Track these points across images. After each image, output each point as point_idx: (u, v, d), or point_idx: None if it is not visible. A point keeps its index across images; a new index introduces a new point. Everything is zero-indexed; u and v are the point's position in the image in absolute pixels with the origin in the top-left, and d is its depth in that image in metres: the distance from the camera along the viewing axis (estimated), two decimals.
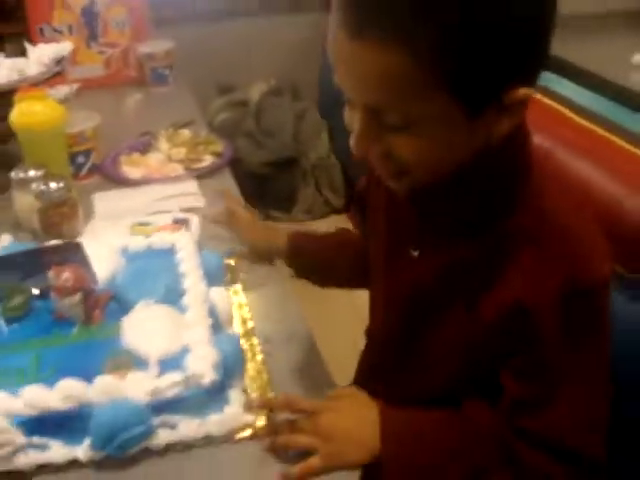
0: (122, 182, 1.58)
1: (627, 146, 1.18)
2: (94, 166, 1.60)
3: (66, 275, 0.98)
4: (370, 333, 1.14)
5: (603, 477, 0.85)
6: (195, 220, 1.37)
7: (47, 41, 1.95)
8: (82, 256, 1.02)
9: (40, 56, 1.58)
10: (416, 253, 0.93)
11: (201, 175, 1.59)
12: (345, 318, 1.78)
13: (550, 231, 0.82)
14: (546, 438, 0.83)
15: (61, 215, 1.31)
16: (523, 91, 0.76)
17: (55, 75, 1.60)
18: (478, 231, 0.86)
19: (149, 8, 2.18)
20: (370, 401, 0.91)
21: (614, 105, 1.75)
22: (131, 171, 1.62)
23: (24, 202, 1.35)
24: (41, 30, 2.08)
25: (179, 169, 1.62)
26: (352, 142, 0.82)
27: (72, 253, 1.02)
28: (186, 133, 1.74)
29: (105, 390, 0.85)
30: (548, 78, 1.34)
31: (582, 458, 0.83)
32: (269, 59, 2.50)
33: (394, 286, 0.99)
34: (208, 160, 1.65)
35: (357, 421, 0.89)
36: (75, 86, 2.05)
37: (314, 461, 0.85)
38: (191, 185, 1.56)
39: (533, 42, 0.76)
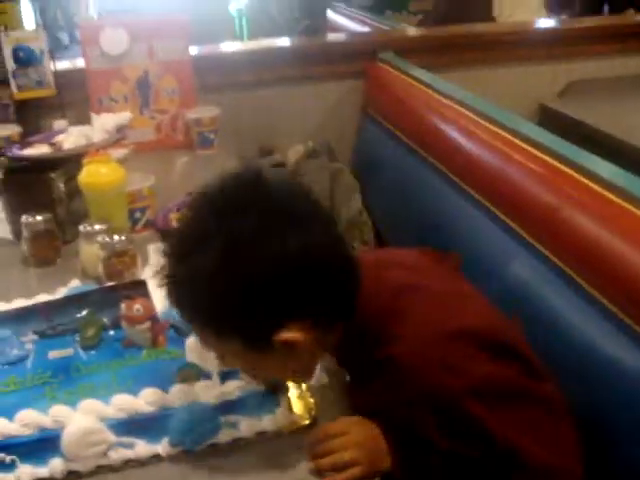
0: None
1: None
2: (148, 221, 1.77)
3: (137, 306, 1.16)
4: None
5: None
6: None
7: (105, 109, 2.17)
8: (146, 291, 1.19)
9: (103, 124, 1.78)
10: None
11: None
12: None
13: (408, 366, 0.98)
14: None
15: (122, 263, 1.48)
16: (287, 336, 0.94)
17: (117, 141, 1.78)
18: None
19: (196, 77, 2.37)
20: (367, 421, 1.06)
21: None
22: None
23: (90, 252, 1.52)
24: (100, 100, 2.28)
25: None
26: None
27: (139, 289, 1.19)
28: None
29: (180, 396, 1.03)
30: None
31: None
32: (307, 123, 2.68)
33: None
34: None
35: (372, 434, 1.03)
36: (130, 149, 2.24)
37: (356, 470, 0.99)
38: None
39: (292, 284, 0.92)
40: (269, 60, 2.63)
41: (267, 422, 1.05)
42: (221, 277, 0.90)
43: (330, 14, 4.35)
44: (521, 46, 2.81)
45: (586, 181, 1.42)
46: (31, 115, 2.33)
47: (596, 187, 1.39)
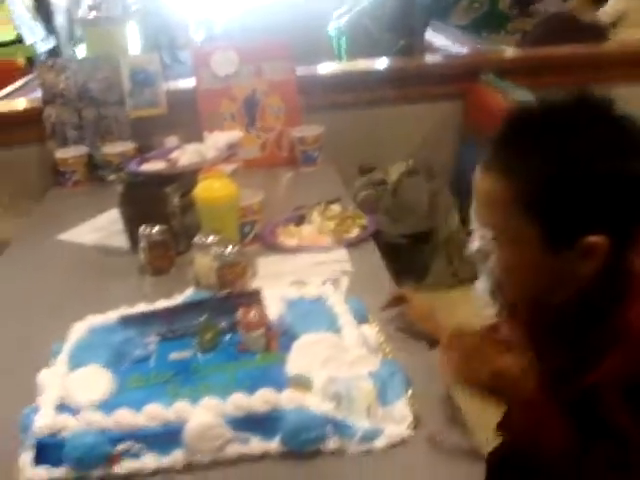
0: (280, 249, 1.83)
1: None
2: (257, 235, 1.86)
3: (253, 313, 1.24)
4: None
5: None
6: (344, 279, 1.60)
7: (214, 127, 2.28)
8: (260, 300, 1.27)
9: (215, 142, 1.88)
10: None
11: (349, 245, 1.82)
12: None
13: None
14: None
15: (234, 274, 1.56)
16: (595, 240, 0.97)
17: (227, 158, 1.88)
18: (582, 339, 1.04)
19: (301, 96, 2.46)
20: None
21: None
22: (287, 240, 1.87)
23: (203, 263, 1.61)
24: (209, 118, 2.40)
25: (329, 239, 1.85)
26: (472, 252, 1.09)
27: (253, 298, 1.28)
28: (335, 208, 1.98)
29: (293, 399, 1.09)
30: None
31: None
32: (407, 143, 2.74)
33: None
34: (355, 232, 1.88)
35: None
36: (238, 165, 2.35)
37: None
38: (340, 253, 1.79)
39: (620, 204, 0.97)
40: (368, 81, 2.70)
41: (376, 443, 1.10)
42: (569, 171, 0.97)
43: (427, 33, 4.40)
44: (628, 65, 2.79)
45: None
46: (144, 132, 2.46)
47: None
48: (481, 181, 1.04)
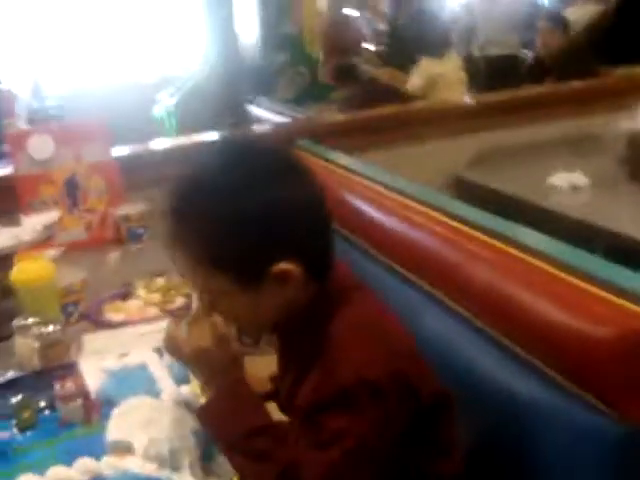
0: (107, 325, 1.82)
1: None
2: (82, 314, 1.84)
3: (69, 384, 1.24)
4: None
5: None
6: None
7: (35, 212, 2.25)
8: (78, 371, 1.28)
9: (33, 224, 1.86)
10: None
11: (175, 314, 1.84)
12: None
13: (330, 350, 1.10)
14: None
15: (56, 353, 1.55)
16: (282, 267, 1.09)
17: (46, 239, 1.87)
18: (304, 356, 1.15)
19: (124, 175, 2.48)
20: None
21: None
22: (114, 316, 1.87)
23: (25, 345, 1.58)
24: (30, 204, 2.37)
25: (155, 311, 1.87)
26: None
27: (70, 370, 1.28)
28: (160, 280, 2.01)
29: (112, 464, 1.09)
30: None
31: None
32: None
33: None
34: (179, 302, 1.90)
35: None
36: (62, 248, 2.32)
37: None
38: (165, 323, 1.80)
39: (283, 225, 1.09)
40: (193, 155, 2.74)
41: None
42: (224, 220, 1.09)
43: (254, 109, 4.55)
44: (433, 123, 3.00)
45: (484, 237, 1.56)
46: None
47: (493, 242, 1.53)
48: (171, 255, 1.17)
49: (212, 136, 3.17)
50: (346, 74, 4.23)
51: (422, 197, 1.91)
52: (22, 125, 4.59)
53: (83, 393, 1.25)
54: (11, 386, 1.31)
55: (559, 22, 4.35)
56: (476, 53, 5.12)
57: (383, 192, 2.07)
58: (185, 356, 1.22)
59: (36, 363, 1.55)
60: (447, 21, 4.86)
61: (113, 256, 2.39)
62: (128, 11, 7.00)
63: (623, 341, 1.17)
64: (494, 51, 4.95)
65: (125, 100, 5.54)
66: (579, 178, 2.73)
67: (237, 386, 1.18)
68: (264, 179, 1.10)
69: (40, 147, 2.36)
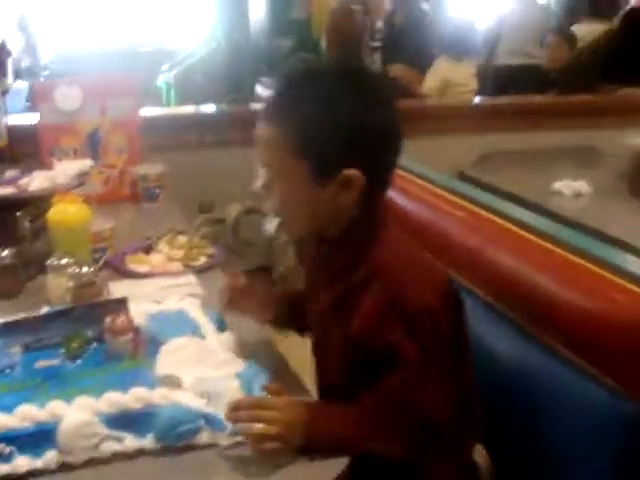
0: (132, 275, 1.87)
1: None
2: (107, 262, 1.89)
3: (122, 318, 1.28)
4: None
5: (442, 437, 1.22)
6: (196, 301, 1.66)
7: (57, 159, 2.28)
8: (127, 307, 1.32)
9: (66, 169, 1.90)
10: (321, 295, 1.35)
11: (197, 271, 1.89)
12: None
13: (387, 273, 1.22)
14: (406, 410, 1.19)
15: (90, 294, 1.59)
16: (353, 172, 1.20)
17: (79, 186, 1.91)
18: (349, 272, 1.26)
19: (144, 136, 2.52)
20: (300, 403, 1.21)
21: None
22: (138, 267, 1.91)
23: (58, 284, 1.63)
24: (50, 152, 2.40)
25: (178, 266, 1.92)
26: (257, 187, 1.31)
27: (120, 305, 1.32)
28: (182, 238, 2.05)
29: (165, 396, 1.14)
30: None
31: (431, 427, 1.20)
32: (246, 183, 2.84)
33: (312, 316, 1.40)
34: (202, 260, 1.95)
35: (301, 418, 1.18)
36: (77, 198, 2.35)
37: (275, 444, 1.13)
38: (189, 278, 1.85)
39: (369, 143, 1.22)
40: (209, 123, 2.80)
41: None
42: (330, 115, 1.20)
43: (260, 88, 4.59)
44: (442, 120, 3.07)
45: (504, 223, 1.64)
46: None
47: (513, 228, 1.61)
48: (260, 129, 1.25)
49: (223, 107, 3.22)
50: None
51: (443, 183, 1.98)
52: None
53: (133, 328, 1.30)
54: (61, 316, 1.35)
55: (567, 37, 4.43)
56: (500, 61, 5.18)
57: (405, 176, 2.13)
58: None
59: (68, 302, 1.59)
60: (468, 26, 4.93)
61: (129, 212, 2.42)
62: None
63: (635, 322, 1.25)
64: (517, 61, 5.01)
65: (119, 67, 5.53)
66: (582, 186, 2.81)
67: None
68: (371, 98, 1.24)
69: (67, 98, 2.38)
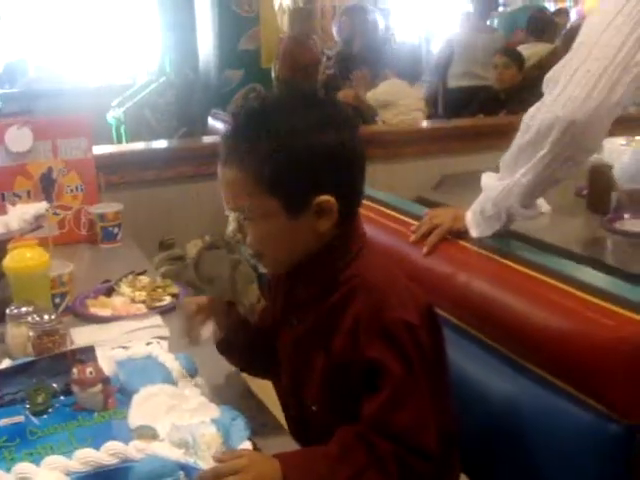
0: (94, 320, 1.80)
1: None
2: (67, 307, 1.82)
3: (90, 369, 1.22)
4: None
5: (432, 464, 1.18)
6: (164, 343, 1.60)
7: (10, 204, 2.21)
8: (95, 356, 1.26)
9: (22, 213, 1.83)
10: (295, 321, 1.33)
11: (162, 312, 1.84)
12: None
13: (368, 289, 1.22)
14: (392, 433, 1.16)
15: (53, 342, 1.52)
16: (325, 198, 1.20)
17: (35, 230, 1.84)
18: (328, 293, 1.26)
19: (99, 175, 2.46)
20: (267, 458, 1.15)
21: None
22: (100, 311, 1.85)
23: (18, 334, 1.56)
24: (2, 195, 2.33)
25: (142, 308, 1.86)
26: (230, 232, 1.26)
27: (87, 354, 1.26)
28: (145, 279, 1.99)
29: (141, 449, 1.07)
30: None
31: (418, 450, 1.16)
32: (204, 218, 2.81)
33: (283, 347, 1.37)
34: (167, 300, 1.90)
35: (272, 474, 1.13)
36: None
37: None
38: (155, 320, 1.80)
39: (335, 167, 1.21)
40: (167, 159, 2.76)
41: None
42: (293, 148, 1.19)
43: (212, 121, 4.55)
44: (399, 145, 3.07)
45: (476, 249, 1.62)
46: None
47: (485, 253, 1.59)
48: (223, 174, 1.24)
49: (181, 142, 3.18)
50: None
51: (404, 207, 1.96)
52: None
53: (103, 378, 1.23)
54: (23, 370, 1.28)
55: (515, 57, 4.49)
56: (451, 83, 5.23)
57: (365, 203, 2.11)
58: None
59: (30, 352, 1.53)
60: (419, 51, 4.98)
61: (87, 255, 2.36)
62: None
63: (621, 345, 1.23)
64: (468, 82, 5.07)
65: (67, 105, 5.47)
66: (542, 204, 2.81)
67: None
68: (329, 121, 1.23)
69: (18, 139, 2.32)
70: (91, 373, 1.22)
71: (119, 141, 5.33)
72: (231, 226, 1.28)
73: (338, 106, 1.32)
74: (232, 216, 1.28)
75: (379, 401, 1.17)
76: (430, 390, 1.21)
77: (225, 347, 1.47)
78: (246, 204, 1.22)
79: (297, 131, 1.20)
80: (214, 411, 1.22)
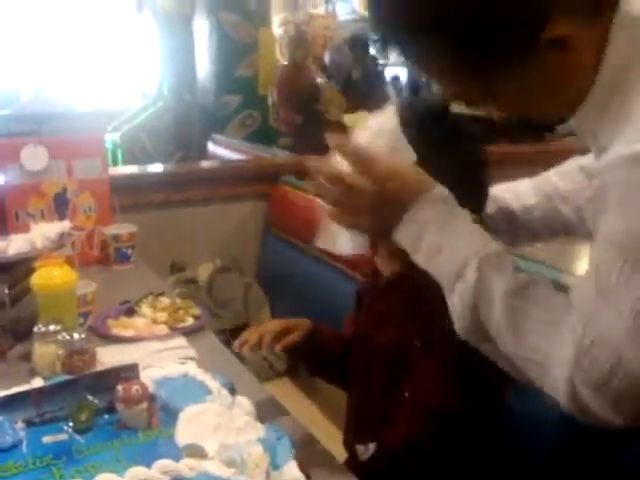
0: (118, 340, 1.78)
1: None
2: (90, 326, 1.80)
3: (136, 387, 1.20)
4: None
5: None
6: (192, 364, 1.58)
7: (20, 224, 2.20)
8: (138, 374, 1.24)
9: (45, 232, 1.82)
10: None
11: (185, 333, 1.82)
12: None
13: None
14: None
15: (83, 361, 1.50)
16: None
17: (58, 248, 1.82)
18: None
19: (113, 196, 2.45)
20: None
21: None
22: (122, 331, 1.83)
23: (45, 352, 1.53)
24: (17, 215, 2.31)
25: (165, 329, 1.84)
26: None
27: (132, 372, 1.24)
28: (165, 300, 1.98)
29: (193, 467, 1.06)
30: None
31: None
32: (215, 241, 2.80)
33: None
34: (190, 321, 1.88)
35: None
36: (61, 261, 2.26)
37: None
38: (179, 341, 1.78)
39: None
40: (178, 182, 2.75)
41: None
42: None
43: (211, 146, 4.55)
44: None
45: None
46: None
47: None
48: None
49: (192, 165, 3.18)
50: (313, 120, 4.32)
51: None
52: None
53: (148, 397, 1.22)
54: (66, 387, 1.26)
55: None
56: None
57: None
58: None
59: (59, 371, 1.51)
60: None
61: (100, 277, 2.33)
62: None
63: None
64: (468, 110, 5.11)
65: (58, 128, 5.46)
66: None
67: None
68: None
69: (34, 158, 2.31)
70: (137, 391, 1.20)
71: (115, 164, 5.32)
72: None
73: None
74: None
75: None
76: None
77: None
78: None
79: None
80: (260, 430, 1.20)
